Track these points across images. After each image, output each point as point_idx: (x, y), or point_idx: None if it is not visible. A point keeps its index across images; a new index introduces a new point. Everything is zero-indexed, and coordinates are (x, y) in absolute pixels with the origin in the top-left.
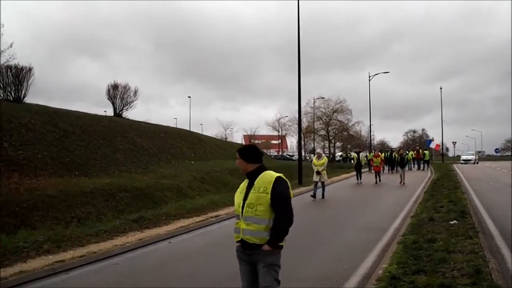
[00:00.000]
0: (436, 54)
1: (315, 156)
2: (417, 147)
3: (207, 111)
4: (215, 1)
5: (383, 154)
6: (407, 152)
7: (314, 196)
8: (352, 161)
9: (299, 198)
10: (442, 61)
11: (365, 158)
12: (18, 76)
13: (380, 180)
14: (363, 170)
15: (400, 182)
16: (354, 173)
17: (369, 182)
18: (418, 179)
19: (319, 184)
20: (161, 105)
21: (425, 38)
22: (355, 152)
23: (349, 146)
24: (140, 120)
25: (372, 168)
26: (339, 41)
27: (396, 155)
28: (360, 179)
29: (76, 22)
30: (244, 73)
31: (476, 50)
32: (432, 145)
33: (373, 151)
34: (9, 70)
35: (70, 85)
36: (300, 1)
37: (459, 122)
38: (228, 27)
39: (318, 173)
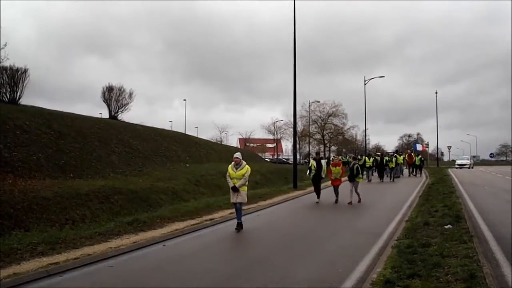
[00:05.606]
0: (444, 58)
1: (232, 163)
2: (408, 151)
3: (211, 113)
4: (228, 2)
5: (371, 160)
6: (399, 155)
7: (239, 226)
8: (309, 171)
9: (293, 202)
10: (449, 64)
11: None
12: (14, 77)
13: (337, 201)
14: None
15: (350, 202)
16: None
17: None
18: (408, 189)
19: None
20: (166, 106)
21: (436, 41)
22: (314, 159)
23: (344, 150)
24: (135, 122)
25: (368, 176)
26: (351, 43)
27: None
28: (318, 197)
29: (86, 21)
30: (250, 75)
31: (487, 53)
32: (419, 148)
33: (335, 157)
34: (4, 72)
35: (76, 86)
36: (310, 3)
37: (461, 126)
38: (239, 28)
39: (235, 189)
